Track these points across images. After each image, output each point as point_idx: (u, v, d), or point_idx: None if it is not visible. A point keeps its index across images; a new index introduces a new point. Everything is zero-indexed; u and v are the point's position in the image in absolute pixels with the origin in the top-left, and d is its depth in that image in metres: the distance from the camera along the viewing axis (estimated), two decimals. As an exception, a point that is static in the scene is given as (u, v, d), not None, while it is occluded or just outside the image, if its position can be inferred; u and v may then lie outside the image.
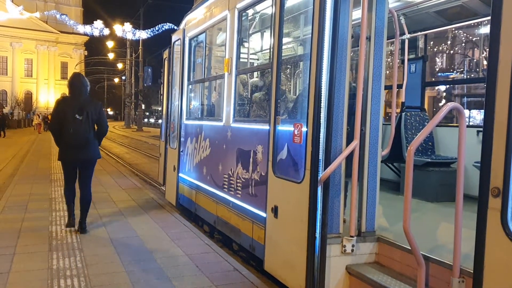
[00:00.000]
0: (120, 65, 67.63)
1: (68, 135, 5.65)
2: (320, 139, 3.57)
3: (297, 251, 3.72)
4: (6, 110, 57.73)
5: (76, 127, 5.63)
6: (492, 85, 2.38)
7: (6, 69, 78.74)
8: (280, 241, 4.13)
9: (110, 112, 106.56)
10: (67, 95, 6.00)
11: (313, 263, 3.54)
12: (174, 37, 8.21)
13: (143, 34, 54.22)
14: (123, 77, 68.98)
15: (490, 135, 2.39)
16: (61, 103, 5.89)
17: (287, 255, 3.98)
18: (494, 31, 2.39)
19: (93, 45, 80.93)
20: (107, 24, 59.02)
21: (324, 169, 3.56)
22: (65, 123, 5.65)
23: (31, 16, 71.73)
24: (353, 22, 3.77)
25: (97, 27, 58.83)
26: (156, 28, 54.72)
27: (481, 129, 2.55)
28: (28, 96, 76.92)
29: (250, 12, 5.83)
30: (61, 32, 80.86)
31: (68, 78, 6.19)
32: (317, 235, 3.55)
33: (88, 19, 72.68)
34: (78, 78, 6.00)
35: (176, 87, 8.00)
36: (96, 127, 5.92)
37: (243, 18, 5.59)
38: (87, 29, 60.81)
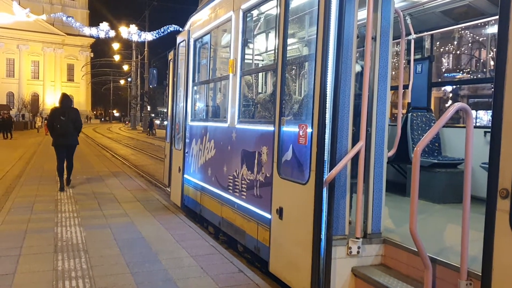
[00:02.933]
0: (126, 67, 67.85)
1: (57, 129, 9.25)
2: (326, 140, 3.54)
3: (302, 253, 3.69)
4: (13, 112, 58.04)
5: (61, 124, 9.21)
6: (500, 85, 2.34)
7: (13, 71, 79.34)
8: (285, 243, 4.11)
9: (116, 114, 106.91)
10: (57, 105, 9.64)
11: (319, 265, 3.52)
12: (179, 39, 8.21)
13: (148, 36, 54.40)
14: (129, 79, 69.22)
15: (498, 136, 2.35)
16: (54, 110, 9.62)
17: (292, 256, 3.96)
18: (502, 30, 2.36)
19: (99, 47, 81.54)
20: (113, 26, 59.33)
21: (330, 170, 3.53)
22: (55, 122, 9.24)
23: (38, 19, 72.19)
24: (358, 22, 3.74)
25: (103, 29, 59.11)
26: (162, 30, 54.88)
27: (489, 129, 2.52)
28: (35, 98, 77.40)
29: (255, 13, 5.82)
30: (68, 34, 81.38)
31: (59, 97, 9.90)
32: (323, 236, 3.53)
33: (94, 21, 73.18)
34: (65, 96, 9.81)
35: (181, 88, 8.00)
36: (74, 124, 9.44)
37: (248, 19, 5.58)
38: (93, 31, 61.13)
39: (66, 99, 9.69)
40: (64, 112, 9.31)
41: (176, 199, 8.04)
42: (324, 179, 3.52)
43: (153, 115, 53.50)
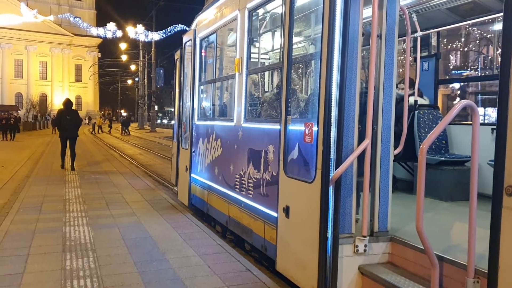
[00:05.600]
0: (133, 67, 68.07)
1: (63, 125, 12.98)
2: (331, 139, 3.54)
3: (309, 251, 3.69)
4: (21, 113, 58.39)
5: (66, 122, 12.89)
6: (505, 82, 2.33)
7: (22, 72, 79.95)
8: (292, 241, 4.11)
9: (124, 114, 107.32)
10: (63, 107, 13.28)
11: (325, 263, 3.51)
12: (185, 38, 8.22)
13: (155, 36, 54.56)
14: (136, 79, 69.42)
15: (504, 133, 2.35)
16: (60, 111, 13.32)
17: (299, 255, 3.96)
18: (507, 26, 2.35)
19: (106, 47, 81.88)
20: (120, 26, 59.63)
21: (336, 168, 3.53)
22: (61, 120, 12.94)
23: (45, 20, 72.68)
24: (363, 20, 3.73)
25: (110, 29, 59.42)
26: (168, 30, 55.08)
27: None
28: (43, 99, 77.96)
29: (260, 11, 5.82)
30: (75, 34, 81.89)
31: (64, 100, 13.61)
32: (329, 235, 3.52)
33: (101, 22, 73.56)
34: (68, 101, 13.48)
35: (187, 87, 8.02)
36: (75, 122, 13.26)
37: (253, 18, 5.58)
38: (100, 31, 61.50)
39: (69, 103, 13.44)
40: (69, 113, 13.06)
41: (183, 198, 8.06)
42: (330, 177, 3.52)
43: (131, 113, 53.68)
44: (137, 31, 54.75)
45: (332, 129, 3.53)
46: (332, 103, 3.53)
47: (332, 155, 3.55)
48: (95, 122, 48.50)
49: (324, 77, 3.58)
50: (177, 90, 9.03)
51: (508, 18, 2.34)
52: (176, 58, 9.23)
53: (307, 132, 3.89)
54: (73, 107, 14.14)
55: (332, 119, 3.53)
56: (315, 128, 3.75)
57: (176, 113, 9.08)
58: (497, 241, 2.38)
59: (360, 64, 3.69)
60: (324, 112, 3.57)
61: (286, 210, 4.17)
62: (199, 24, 7.43)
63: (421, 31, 6.15)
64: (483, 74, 21.56)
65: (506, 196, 2.33)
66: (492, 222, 2.41)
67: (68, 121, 12.87)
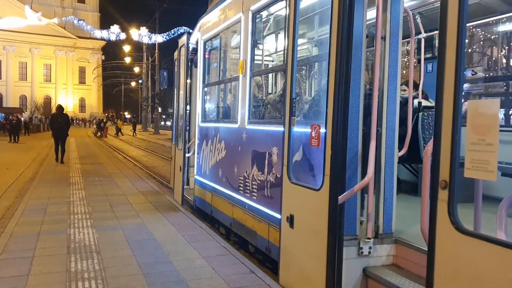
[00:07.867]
0: (136, 69, 68.24)
1: (55, 127, 15.66)
2: (339, 142, 3.45)
3: (316, 265, 3.55)
4: (26, 115, 58.57)
5: (58, 124, 15.53)
6: (440, 86, 2.48)
7: (26, 74, 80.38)
8: (297, 254, 3.96)
9: (128, 116, 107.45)
10: (55, 111, 16.35)
11: (334, 278, 3.35)
12: (180, 42, 8.29)
13: (159, 38, 54.75)
14: (140, 81, 69.60)
15: (439, 132, 2.50)
16: (53, 115, 16.29)
17: (304, 268, 3.81)
18: (441, 35, 2.53)
19: (110, 50, 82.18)
20: (124, 29, 59.93)
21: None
22: (54, 122, 15.72)
23: (50, 22, 72.98)
24: (367, 22, 3.73)
25: (114, 32, 59.68)
26: (172, 32, 55.23)
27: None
28: (47, 101, 78.32)
29: (264, 14, 5.82)
30: (79, 37, 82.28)
31: (55, 107, 17.15)
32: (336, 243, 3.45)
33: (105, 24, 73.84)
34: (60, 106, 16.42)
35: (181, 90, 8.11)
36: (66, 124, 15.90)
37: (257, 20, 5.59)
38: (104, 34, 61.81)
39: (60, 108, 16.29)
40: (60, 117, 15.73)
41: (177, 197, 8.12)
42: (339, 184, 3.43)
43: (135, 115, 53.90)
44: (140, 34, 54.97)
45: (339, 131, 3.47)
46: (341, 104, 3.48)
47: (341, 159, 3.47)
48: (117, 125, 48.98)
49: (333, 76, 3.42)
50: (175, 92, 9.05)
51: (443, 27, 2.56)
52: (174, 58, 9.27)
53: (313, 134, 3.77)
54: (64, 111, 17.19)
55: (341, 121, 3.45)
56: (322, 130, 3.58)
57: (175, 114, 9.11)
58: (434, 229, 2.53)
59: (364, 66, 3.69)
60: (333, 113, 3.39)
61: (290, 220, 4.01)
62: (203, 27, 7.45)
63: (425, 32, 6.14)
64: (487, 75, 21.52)
65: (440, 189, 2.48)
66: (430, 213, 2.56)
67: (59, 123, 15.50)
